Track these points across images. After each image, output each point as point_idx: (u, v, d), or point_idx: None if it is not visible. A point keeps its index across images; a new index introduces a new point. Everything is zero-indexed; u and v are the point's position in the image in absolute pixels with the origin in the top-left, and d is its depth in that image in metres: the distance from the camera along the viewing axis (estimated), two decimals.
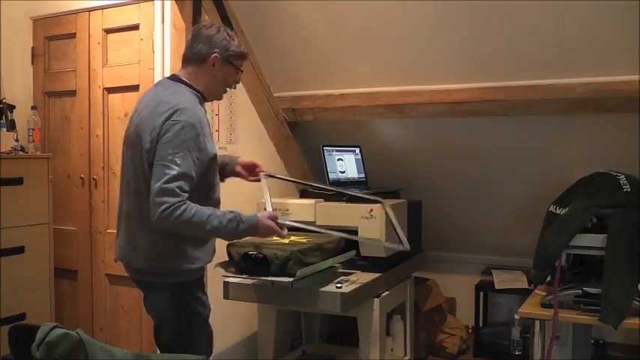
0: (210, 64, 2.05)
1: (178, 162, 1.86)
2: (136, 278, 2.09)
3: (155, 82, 2.21)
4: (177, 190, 1.84)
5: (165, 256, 1.97)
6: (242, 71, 2.17)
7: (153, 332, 2.09)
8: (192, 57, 2.07)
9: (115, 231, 3.06)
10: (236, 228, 1.96)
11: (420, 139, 3.45)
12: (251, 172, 2.37)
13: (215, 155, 2.04)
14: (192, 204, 1.87)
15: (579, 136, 3.04)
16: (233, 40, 2.10)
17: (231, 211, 1.98)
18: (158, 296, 2.02)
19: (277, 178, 2.57)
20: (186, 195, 1.87)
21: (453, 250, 3.77)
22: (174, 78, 2.10)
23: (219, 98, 2.24)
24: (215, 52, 2.05)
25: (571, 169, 2.94)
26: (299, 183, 3.16)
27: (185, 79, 2.07)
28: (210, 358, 2.14)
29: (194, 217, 1.86)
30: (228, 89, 2.19)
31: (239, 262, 2.35)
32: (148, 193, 1.89)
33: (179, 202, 1.84)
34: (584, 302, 2.33)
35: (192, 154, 1.89)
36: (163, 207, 1.82)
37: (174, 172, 1.85)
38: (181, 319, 2.01)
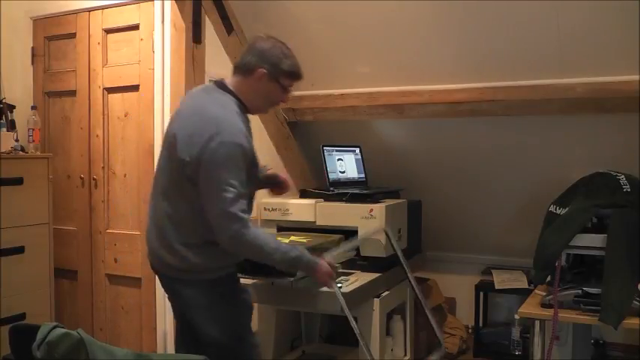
0: (257, 77, 2.01)
1: (234, 183, 1.86)
2: (170, 276, 2.05)
3: (202, 86, 2.18)
4: (240, 213, 1.87)
5: (197, 254, 1.98)
6: (290, 91, 2.12)
7: (195, 332, 2.04)
8: (240, 67, 2.05)
9: (115, 231, 3.10)
10: (297, 263, 2.04)
11: (420, 139, 3.45)
12: (274, 184, 2.42)
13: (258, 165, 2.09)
14: (255, 228, 1.94)
15: (579, 136, 3.04)
16: (287, 58, 2.05)
17: (296, 247, 2.07)
18: (194, 292, 2.00)
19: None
20: (248, 216, 1.92)
21: (453, 250, 3.77)
22: (221, 85, 2.06)
23: (264, 112, 2.23)
24: (263, 67, 2.00)
25: (571, 169, 2.94)
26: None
27: (231, 88, 2.04)
28: None
29: (264, 247, 1.94)
30: (274, 106, 2.20)
31: (240, 262, 2.34)
32: (178, 197, 1.96)
33: (243, 225, 1.88)
34: (584, 302, 2.33)
35: (243, 173, 1.90)
36: (231, 233, 1.88)
37: (231, 195, 1.85)
38: (226, 310, 2.02)
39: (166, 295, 2.19)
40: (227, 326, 2.04)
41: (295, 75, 2.09)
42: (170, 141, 1.99)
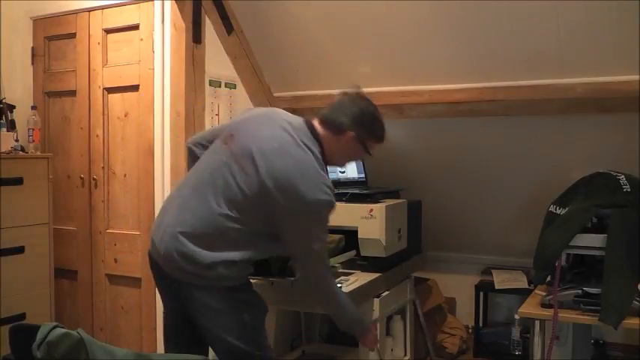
0: (346, 139, 2.02)
1: (323, 238, 2.03)
2: (183, 280, 1.95)
3: (288, 116, 2.09)
4: (327, 260, 2.04)
5: (229, 267, 1.92)
6: (370, 154, 2.12)
7: (210, 338, 2.01)
8: (330, 123, 2.02)
9: (115, 231, 3.09)
10: (357, 325, 2.17)
11: (420, 139, 3.45)
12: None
13: None
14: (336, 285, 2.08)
15: (579, 136, 3.03)
16: (378, 123, 2.07)
17: (358, 312, 2.18)
18: (212, 299, 1.94)
19: None
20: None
21: (453, 250, 3.77)
22: (312, 129, 2.01)
23: (339, 166, 2.26)
24: (353, 131, 2.01)
25: (571, 169, 2.94)
26: None
27: (321, 139, 2.01)
28: (210, 357, 2.13)
29: (337, 297, 2.08)
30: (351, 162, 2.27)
31: None
32: (245, 212, 1.90)
33: (327, 270, 2.04)
34: (584, 302, 2.32)
35: (325, 231, 2.03)
36: (316, 274, 2.01)
37: (319, 247, 1.97)
38: (244, 317, 1.97)
39: (162, 294, 2.12)
40: (247, 333, 1.98)
41: (382, 140, 2.12)
42: (246, 156, 1.92)
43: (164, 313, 2.17)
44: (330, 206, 1.96)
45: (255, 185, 1.89)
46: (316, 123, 2.05)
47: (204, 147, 2.14)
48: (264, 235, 1.97)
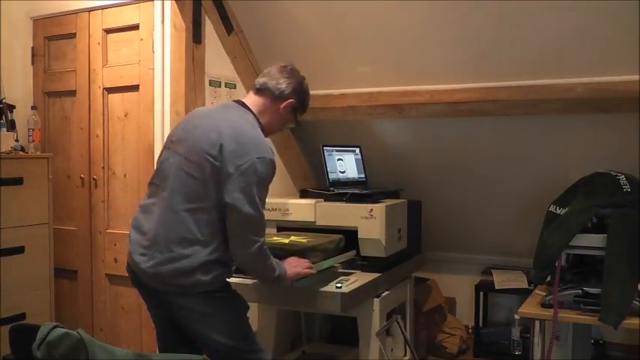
0: (283, 106, 2.12)
1: (264, 201, 1.98)
2: (166, 290, 2.00)
3: (225, 103, 2.24)
4: (263, 229, 1.99)
5: (202, 269, 1.96)
6: (299, 124, 2.26)
7: (201, 341, 2.04)
8: (273, 90, 2.10)
9: (115, 231, 3.09)
10: (279, 279, 2.12)
11: (420, 139, 3.45)
12: None
13: None
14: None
15: (579, 136, 3.04)
16: (308, 95, 2.22)
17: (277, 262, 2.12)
18: (194, 302, 1.99)
19: None
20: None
21: (453, 250, 3.77)
22: (243, 105, 2.11)
23: (272, 133, 2.26)
24: (293, 99, 2.12)
25: (571, 169, 2.94)
26: None
27: (253, 111, 2.09)
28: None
29: (271, 264, 2.05)
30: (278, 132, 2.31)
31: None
32: (214, 206, 1.94)
33: (263, 241, 2.00)
34: (584, 302, 2.33)
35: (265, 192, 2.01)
36: (257, 245, 1.96)
37: (261, 211, 1.96)
38: (227, 313, 2.03)
39: (147, 305, 2.15)
40: (235, 330, 2.04)
41: (306, 111, 2.26)
42: (206, 152, 1.95)
43: (154, 323, 2.22)
44: (272, 166, 2.00)
45: (207, 165, 1.95)
46: (251, 94, 2.15)
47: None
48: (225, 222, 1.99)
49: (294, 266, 2.21)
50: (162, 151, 2.16)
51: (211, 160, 1.94)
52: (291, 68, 2.19)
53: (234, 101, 2.18)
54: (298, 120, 2.21)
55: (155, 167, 2.17)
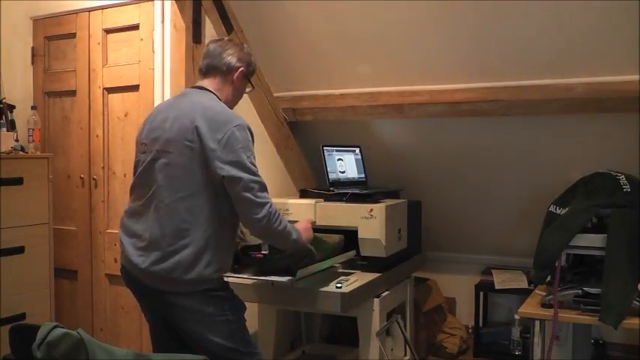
0: (235, 77, 2.14)
1: (254, 161, 1.98)
2: (163, 289, 1.99)
3: (182, 91, 2.26)
4: (265, 190, 1.97)
5: (201, 261, 1.96)
6: (254, 87, 2.27)
7: (197, 343, 2.03)
8: (220, 67, 2.12)
9: (115, 231, 3.09)
10: (297, 243, 2.12)
11: (420, 139, 3.45)
12: None
13: None
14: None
15: (579, 136, 3.04)
16: (252, 57, 2.22)
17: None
18: (194, 302, 1.98)
19: None
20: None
21: (453, 250, 3.77)
22: (202, 88, 2.13)
23: (234, 105, 2.25)
24: (242, 67, 2.14)
25: (571, 169, 2.94)
26: None
27: (212, 90, 2.11)
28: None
29: (286, 229, 2.04)
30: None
31: (237, 254, 2.35)
32: (202, 193, 1.95)
33: (273, 207, 1.98)
34: (584, 302, 2.33)
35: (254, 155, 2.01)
36: (267, 206, 1.95)
37: (256, 175, 1.95)
38: (227, 314, 2.03)
39: (145, 304, 2.15)
40: (233, 331, 2.04)
41: (255, 72, 2.28)
42: (185, 138, 1.96)
43: (148, 324, 2.22)
44: (248, 131, 2.02)
45: (187, 151, 1.95)
46: (201, 79, 2.17)
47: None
48: (217, 202, 1.99)
49: (305, 229, 2.23)
50: (136, 157, 2.15)
51: (190, 144, 1.95)
52: (227, 40, 2.23)
53: (190, 88, 2.22)
54: (252, 83, 2.24)
55: (133, 174, 2.16)
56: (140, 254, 2.01)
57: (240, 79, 2.16)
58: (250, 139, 2.01)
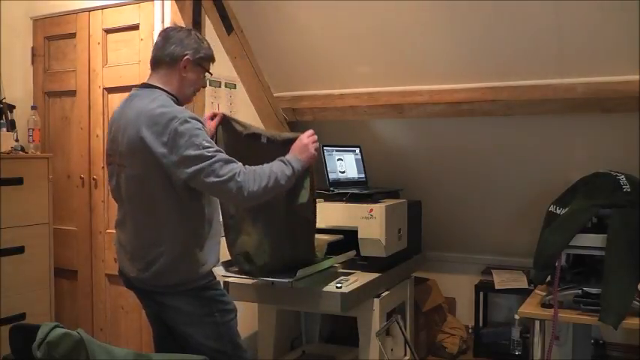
0: (182, 66, 2.03)
1: (207, 144, 1.87)
2: (152, 290, 2.03)
3: (130, 93, 2.10)
4: (226, 166, 1.86)
5: (182, 263, 1.97)
6: (211, 74, 2.16)
7: (187, 343, 2.04)
8: (164, 58, 2.03)
9: (114, 231, 3.09)
10: (292, 171, 2.00)
11: (420, 139, 3.45)
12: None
13: None
14: (245, 171, 1.89)
15: (579, 136, 3.04)
16: (203, 42, 2.10)
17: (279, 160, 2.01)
18: (183, 302, 1.99)
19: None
20: (236, 164, 1.90)
21: (453, 250, 3.77)
22: (147, 86, 2.06)
23: (189, 101, 2.20)
24: (187, 55, 2.02)
25: (571, 169, 2.94)
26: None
27: (159, 85, 2.04)
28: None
29: (269, 181, 1.92)
30: (197, 92, 2.18)
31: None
32: (165, 201, 1.93)
33: (237, 175, 1.86)
34: (584, 302, 2.33)
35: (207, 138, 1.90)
36: (237, 177, 1.85)
37: (211, 155, 1.86)
38: (216, 315, 2.03)
39: (144, 304, 2.17)
40: (221, 332, 2.04)
41: (212, 57, 2.14)
42: (136, 150, 1.92)
43: (149, 322, 2.24)
44: (195, 121, 1.91)
45: (140, 162, 1.92)
46: (150, 73, 2.08)
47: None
48: (183, 206, 1.96)
49: (303, 148, 2.10)
50: (107, 169, 2.14)
51: (142, 155, 1.91)
52: (171, 29, 2.14)
53: (138, 86, 2.12)
54: (207, 69, 2.12)
55: (109, 186, 2.16)
56: (128, 264, 2.05)
57: (188, 68, 2.04)
58: (196, 127, 1.88)
